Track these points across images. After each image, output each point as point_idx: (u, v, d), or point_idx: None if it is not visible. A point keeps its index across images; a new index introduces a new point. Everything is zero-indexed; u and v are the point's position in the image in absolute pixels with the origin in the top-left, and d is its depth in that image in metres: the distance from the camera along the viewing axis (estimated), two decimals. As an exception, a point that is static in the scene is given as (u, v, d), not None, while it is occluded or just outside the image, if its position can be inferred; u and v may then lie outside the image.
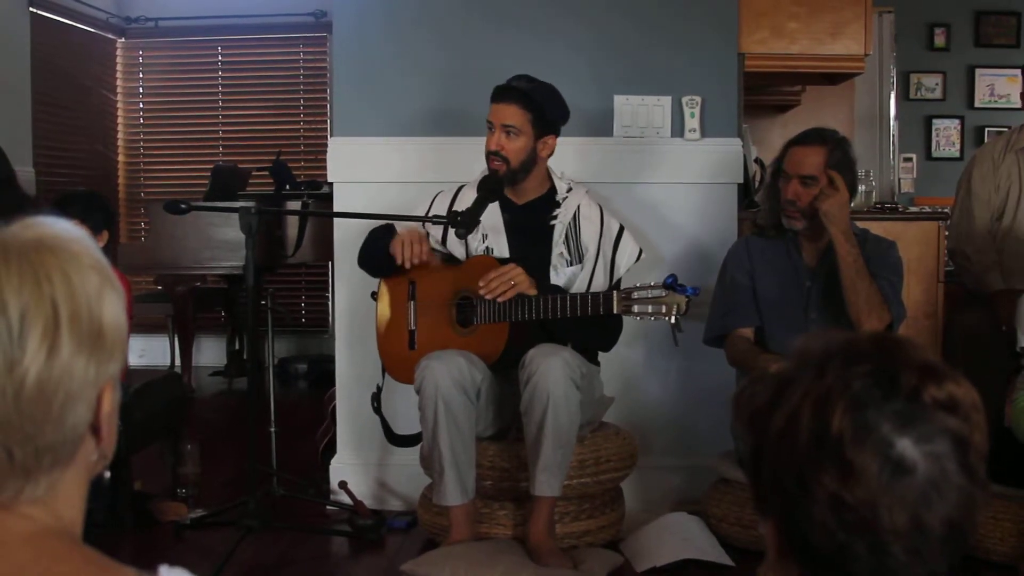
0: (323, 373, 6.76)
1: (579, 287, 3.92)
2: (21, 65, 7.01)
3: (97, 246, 1.22)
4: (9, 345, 1.11)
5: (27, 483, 1.17)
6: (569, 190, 4.03)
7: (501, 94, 3.92)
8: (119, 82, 8.50)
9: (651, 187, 4.51)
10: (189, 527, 4.14)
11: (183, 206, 3.99)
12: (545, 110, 3.90)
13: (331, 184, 4.78)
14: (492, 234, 3.98)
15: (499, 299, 3.79)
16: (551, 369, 3.66)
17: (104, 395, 1.20)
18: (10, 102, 6.78)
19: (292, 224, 5.94)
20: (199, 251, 6.06)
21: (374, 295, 4.13)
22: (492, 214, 3.97)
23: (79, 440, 1.18)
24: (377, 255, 4.04)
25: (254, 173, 7.33)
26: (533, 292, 3.77)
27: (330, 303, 7.75)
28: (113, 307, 1.19)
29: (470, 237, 3.95)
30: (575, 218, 3.98)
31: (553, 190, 4.03)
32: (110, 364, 1.19)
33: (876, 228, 4.09)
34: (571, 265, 3.95)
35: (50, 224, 1.20)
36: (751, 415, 1.25)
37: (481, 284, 3.80)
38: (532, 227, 3.98)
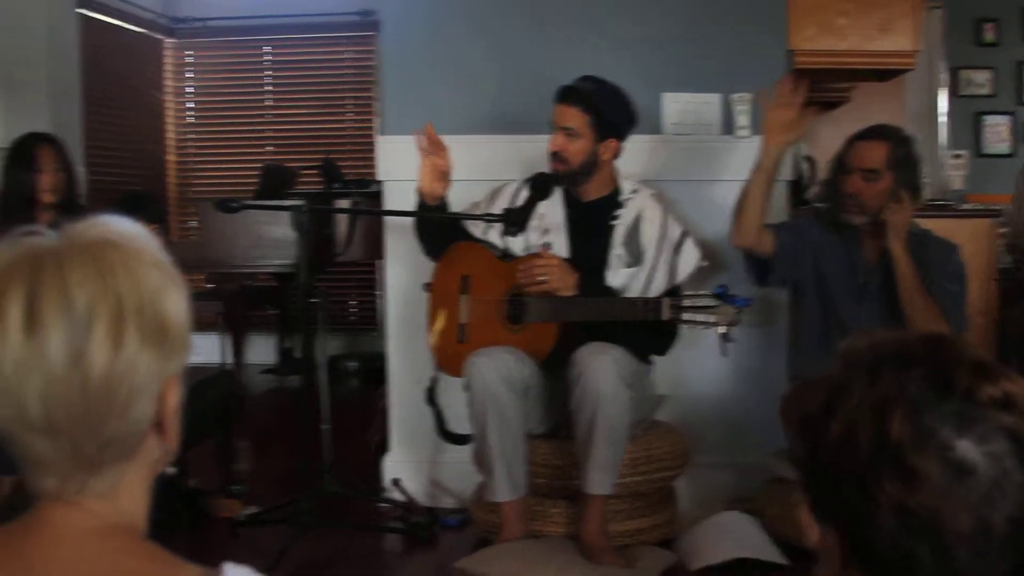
0: (373, 371, 6.79)
1: (635, 289, 3.91)
2: (70, 66, 7.07)
3: (160, 244, 1.23)
4: (75, 338, 1.13)
5: (91, 477, 1.18)
6: (634, 191, 4.02)
7: (562, 95, 3.92)
8: (168, 82, 8.57)
9: (701, 185, 4.49)
10: (243, 524, 4.17)
11: (234, 205, 4.02)
12: (606, 113, 3.89)
13: (380, 182, 4.79)
14: (553, 231, 3.99)
15: (528, 290, 3.81)
16: (600, 368, 3.67)
17: (168, 391, 1.21)
18: (60, 103, 6.84)
19: (342, 222, 5.95)
20: (249, 249, 6.09)
21: (427, 286, 4.14)
22: (554, 212, 3.98)
23: (143, 435, 1.20)
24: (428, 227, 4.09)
25: (302, 172, 7.36)
26: (569, 293, 3.78)
27: (380, 301, 7.77)
28: (176, 303, 1.20)
29: (529, 233, 3.96)
30: (636, 220, 3.97)
31: (617, 191, 4.02)
32: (174, 360, 1.20)
33: (928, 226, 4.07)
34: (629, 267, 3.94)
35: (114, 222, 1.22)
36: (802, 421, 1.25)
37: (519, 268, 3.83)
38: (593, 226, 3.98)
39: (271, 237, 6.14)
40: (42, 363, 1.12)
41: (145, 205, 4.20)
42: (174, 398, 1.22)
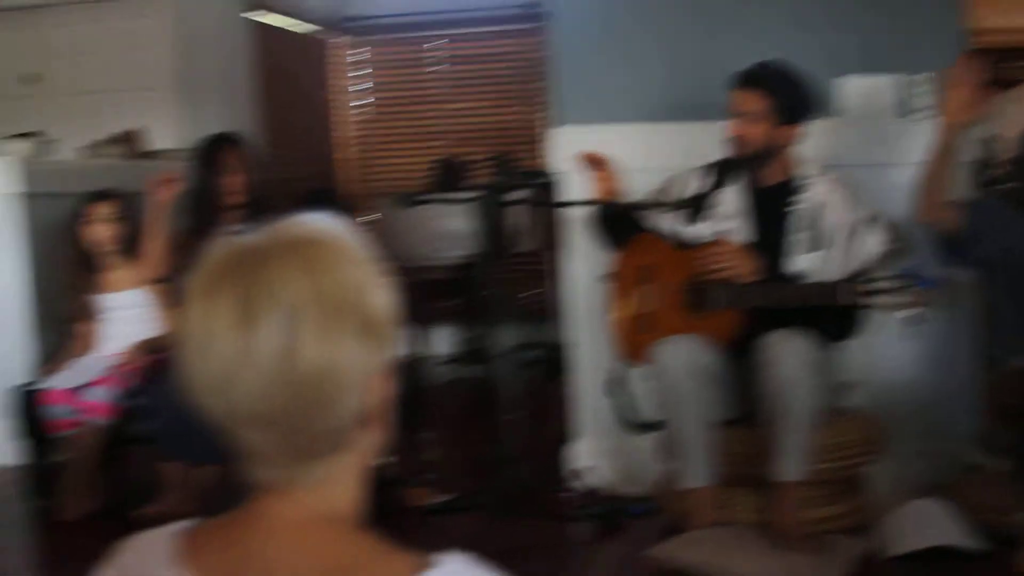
0: (554, 361, 6.81)
1: (818, 274, 3.86)
2: (241, 69, 7.26)
3: (364, 238, 1.25)
4: (285, 334, 1.15)
5: (304, 469, 1.21)
6: (815, 176, 3.97)
7: (741, 81, 3.89)
8: (339, 80, 8.72)
9: (878, 169, 4.39)
10: (433, 513, 4.24)
11: (418, 199, 4.09)
12: (786, 98, 3.84)
13: (553, 173, 4.81)
14: (733, 218, 3.96)
15: (708, 278, 3.79)
16: (787, 354, 3.64)
17: (377, 384, 1.22)
18: (233, 106, 7.02)
19: (519, 214, 5.99)
20: (427, 243, 6.18)
21: (606, 277, 4.16)
22: (734, 198, 3.96)
23: (352, 428, 1.21)
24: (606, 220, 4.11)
25: (475, 164, 7.42)
26: (750, 279, 3.75)
27: (552, 291, 7.79)
28: (382, 297, 1.22)
29: (709, 221, 3.94)
30: (818, 204, 3.91)
31: (798, 176, 3.97)
32: (381, 353, 1.21)
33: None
34: (811, 252, 3.89)
35: (317, 219, 1.24)
36: (1014, 413, 1.23)
37: (701, 257, 3.81)
38: (773, 212, 3.94)
39: (448, 230, 6.23)
40: (253, 359, 1.15)
41: (331, 201, 4.29)
42: (384, 391, 1.24)
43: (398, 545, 1.21)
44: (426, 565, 1.19)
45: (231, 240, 1.22)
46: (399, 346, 1.24)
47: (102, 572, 1.30)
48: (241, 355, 1.15)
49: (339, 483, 1.24)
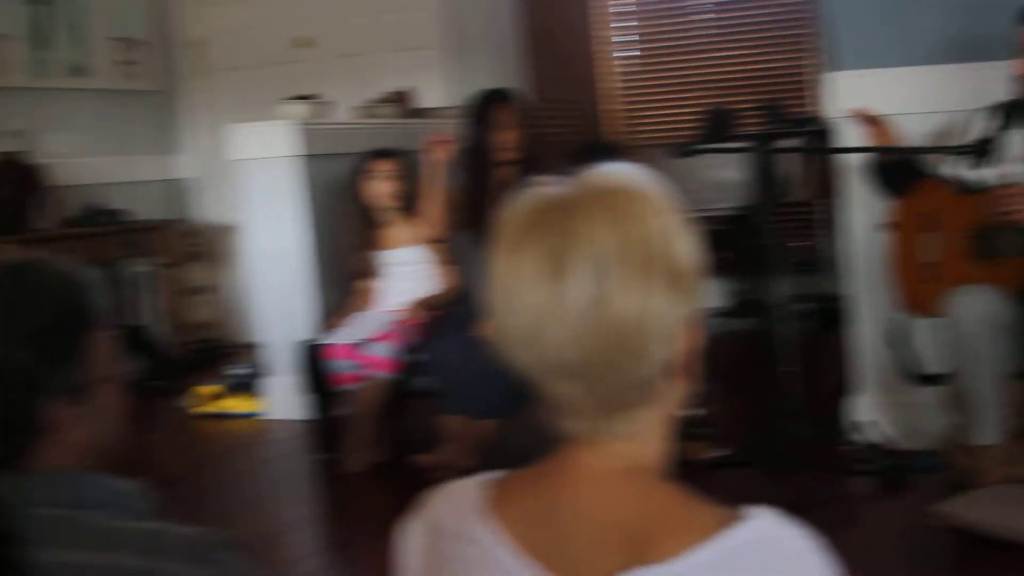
0: (829, 312, 6.68)
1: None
2: (507, 23, 7.31)
3: (666, 188, 1.24)
4: (595, 284, 1.15)
5: (612, 419, 1.21)
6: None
7: (1027, 15, 3.71)
8: (603, 31, 8.71)
9: None
10: (713, 467, 4.22)
11: (694, 149, 4.05)
12: None
13: (827, 120, 4.69)
14: (1020, 161, 3.78)
15: (998, 223, 3.62)
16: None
17: (684, 334, 1.21)
18: (500, 61, 7.09)
19: (793, 163, 5.89)
20: (698, 193, 6.14)
21: (885, 226, 4.03)
22: (1021, 140, 3.77)
23: (660, 378, 1.21)
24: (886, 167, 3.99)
25: (744, 113, 7.30)
26: None
27: (834, 241, 7.63)
28: (687, 246, 1.21)
29: (998, 164, 3.77)
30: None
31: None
32: (688, 303, 1.20)
33: None
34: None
35: (621, 170, 1.25)
36: None
37: (988, 202, 3.65)
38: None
39: (718, 180, 6.17)
40: (563, 309, 1.16)
41: (609, 154, 4.28)
42: (691, 341, 1.23)
43: (704, 498, 1.21)
44: (736, 519, 1.18)
45: (536, 192, 1.23)
46: (704, 296, 1.23)
47: (412, 521, 1.34)
48: (551, 306, 1.17)
49: (646, 434, 1.24)
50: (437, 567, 1.29)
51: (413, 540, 1.33)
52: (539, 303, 1.17)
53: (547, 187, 1.23)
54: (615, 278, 1.16)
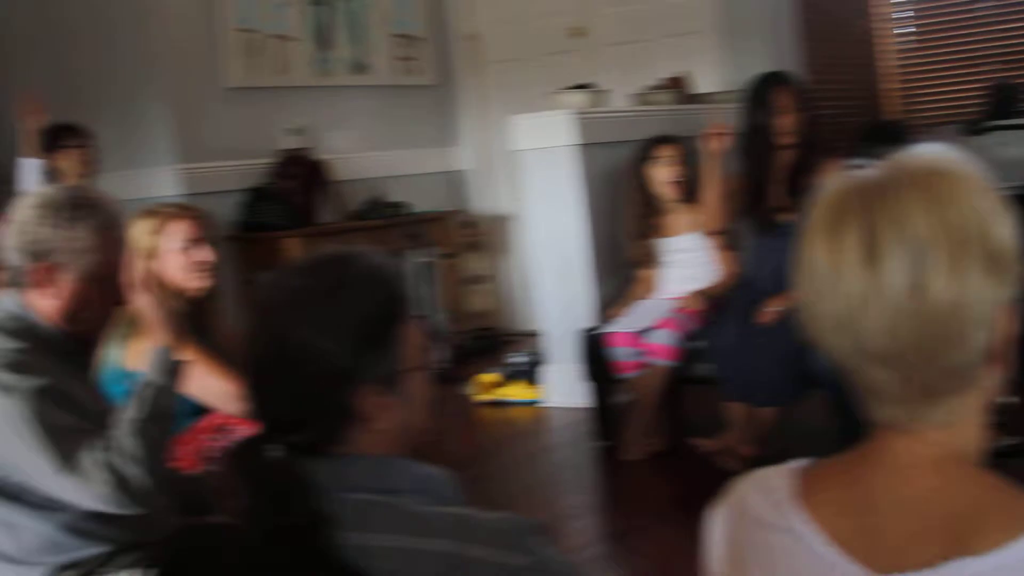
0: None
1: None
2: (782, 5, 7.16)
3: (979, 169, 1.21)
4: (914, 268, 1.13)
5: (929, 406, 1.19)
6: None
7: None
8: (880, 9, 8.45)
9: None
10: (1000, 455, 4.04)
11: (978, 127, 3.89)
12: None
13: None
14: None
15: None
16: None
17: (1002, 318, 1.18)
18: (776, 44, 6.94)
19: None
20: (986, 173, 5.89)
21: None
22: None
23: (979, 364, 1.18)
24: None
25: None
26: None
27: None
28: (1006, 228, 1.18)
29: None
30: None
31: None
32: (1005, 287, 1.17)
33: None
34: None
35: (938, 151, 1.22)
36: None
37: None
38: None
39: (1006, 158, 5.90)
40: (881, 294, 1.15)
41: (898, 135, 4.16)
42: (1007, 326, 1.19)
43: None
44: None
45: (849, 176, 1.22)
46: (1021, 279, 1.19)
47: (718, 507, 1.35)
48: (868, 291, 1.15)
49: (963, 422, 1.22)
50: (743, 554, 1.29)
51: (719, 526, 1.34)
52: (854, 289, 1.16)
53: (860, 171, 1.22)
54: (935, 262, 1.14)
